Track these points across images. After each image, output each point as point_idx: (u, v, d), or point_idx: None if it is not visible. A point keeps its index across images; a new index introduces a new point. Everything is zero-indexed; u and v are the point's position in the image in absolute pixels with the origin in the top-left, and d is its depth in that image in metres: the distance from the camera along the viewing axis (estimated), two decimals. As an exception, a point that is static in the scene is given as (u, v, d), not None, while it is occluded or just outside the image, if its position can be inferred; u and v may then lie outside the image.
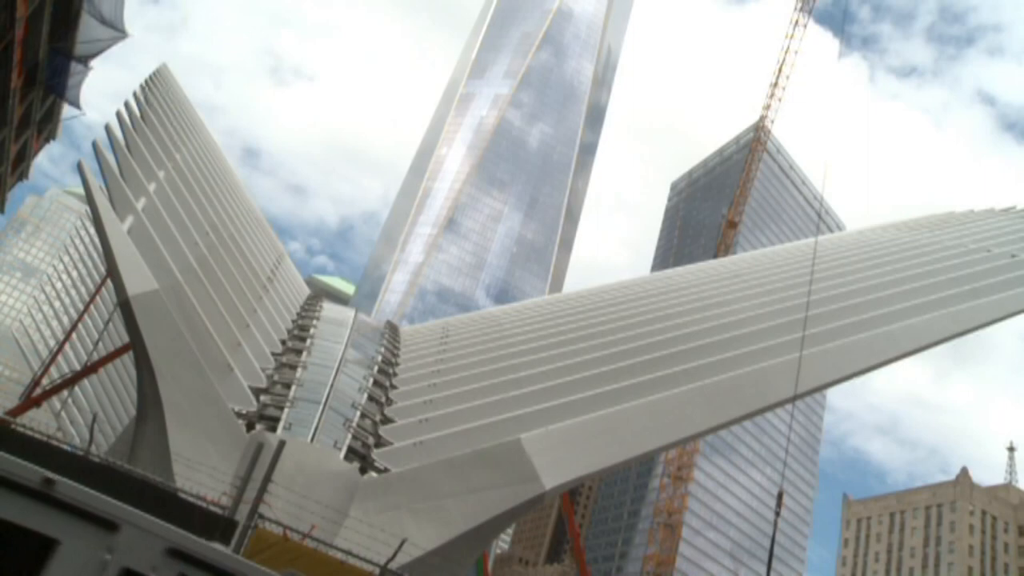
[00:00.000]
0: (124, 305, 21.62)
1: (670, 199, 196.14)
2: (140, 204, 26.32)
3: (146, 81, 37.71)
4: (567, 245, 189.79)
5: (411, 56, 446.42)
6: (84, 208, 64.97)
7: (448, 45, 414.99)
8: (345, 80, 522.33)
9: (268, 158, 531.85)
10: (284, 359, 30.21)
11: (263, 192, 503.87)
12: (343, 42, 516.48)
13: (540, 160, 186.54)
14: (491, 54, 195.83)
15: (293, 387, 27.20)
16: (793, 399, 24.91)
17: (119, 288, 21.82)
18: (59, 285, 64.61)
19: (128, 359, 35.55)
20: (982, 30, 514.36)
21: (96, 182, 24.53)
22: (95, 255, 53.31)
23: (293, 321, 36.79)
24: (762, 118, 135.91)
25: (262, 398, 25.54)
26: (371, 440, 25.59)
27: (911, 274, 36.27)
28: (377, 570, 13.16)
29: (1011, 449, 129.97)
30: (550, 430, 23.29)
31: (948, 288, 34.03)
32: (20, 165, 35.44)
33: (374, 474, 23.47)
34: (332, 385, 28.28)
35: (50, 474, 5.52)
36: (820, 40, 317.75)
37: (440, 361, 34.05)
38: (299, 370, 29.20)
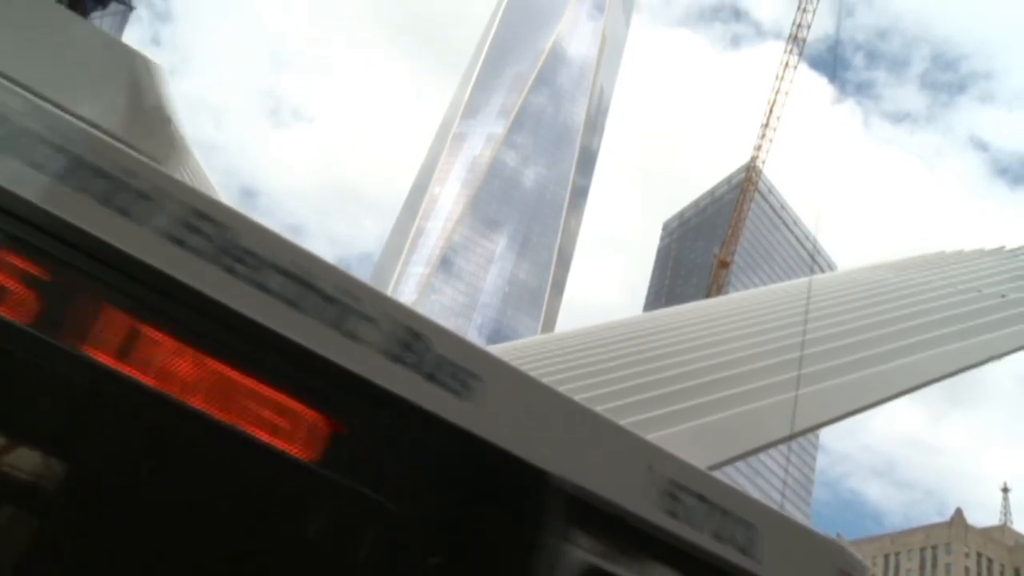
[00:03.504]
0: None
1: (662, 239, 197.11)
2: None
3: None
4: (559, 285, 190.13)
5: (407, 95, 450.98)
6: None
7: (443, 84, 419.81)
8: (343, 121, 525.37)
9: (266, 198, 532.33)
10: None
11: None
12: (341, 83, 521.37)
13: (533, 200, 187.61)
14: (484, 94, 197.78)
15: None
16: (789, 438, 24.74)
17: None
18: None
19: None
20: (974, 77, 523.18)
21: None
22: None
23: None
24: (753, 158, 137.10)
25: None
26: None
27: (902, 314, 36.33)
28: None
29: (1005, 490, 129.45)
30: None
31: (940, 328, 34.05)
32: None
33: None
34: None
35: None
36: (815, 84, 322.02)
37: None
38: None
